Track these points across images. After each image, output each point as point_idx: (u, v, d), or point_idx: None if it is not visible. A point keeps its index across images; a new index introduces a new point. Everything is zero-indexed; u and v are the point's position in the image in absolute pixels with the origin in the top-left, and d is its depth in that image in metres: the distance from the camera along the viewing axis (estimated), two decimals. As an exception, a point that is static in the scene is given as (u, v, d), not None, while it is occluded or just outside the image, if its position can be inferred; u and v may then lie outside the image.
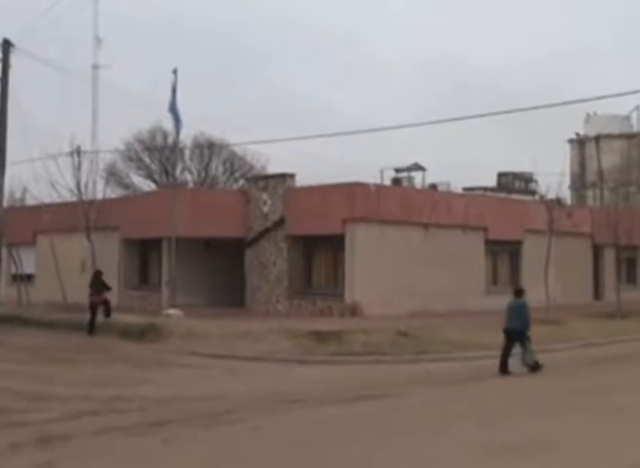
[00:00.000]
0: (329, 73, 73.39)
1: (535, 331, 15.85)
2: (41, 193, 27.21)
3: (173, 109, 25.02)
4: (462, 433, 9.57)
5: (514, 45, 78.96)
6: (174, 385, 14.28)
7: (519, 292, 16.18)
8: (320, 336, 18.71)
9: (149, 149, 43.64)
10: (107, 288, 23.37)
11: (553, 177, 26.68)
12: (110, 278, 28.79)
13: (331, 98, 70.44)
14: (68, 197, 26.09)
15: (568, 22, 75.33)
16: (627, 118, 46.38)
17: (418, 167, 36.22)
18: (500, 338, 15.59)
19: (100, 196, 26.83)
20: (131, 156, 44.40)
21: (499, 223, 28.50)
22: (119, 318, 22.44)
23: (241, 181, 42.29)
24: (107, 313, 22.85)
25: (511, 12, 76.14)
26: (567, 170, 37.05)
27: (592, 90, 30.39)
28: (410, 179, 35.69)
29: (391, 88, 74.05)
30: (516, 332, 15.39)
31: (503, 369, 15.27)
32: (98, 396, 12.65)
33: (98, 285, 23.09)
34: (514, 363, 15.38)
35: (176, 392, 13.37)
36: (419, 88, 74.05)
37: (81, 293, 25.43)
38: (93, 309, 22.32)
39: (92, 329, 22.00)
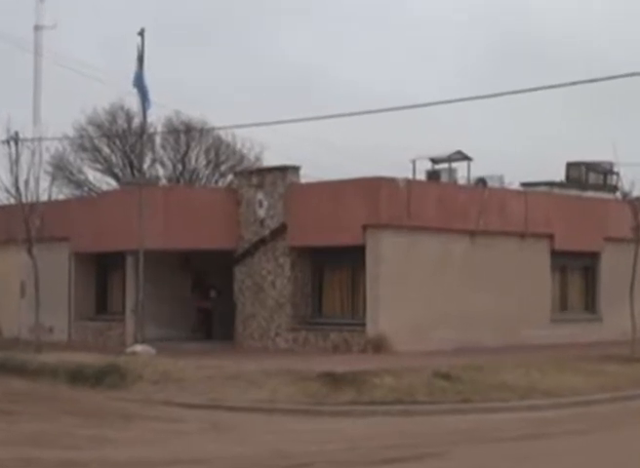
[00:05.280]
0: (345, 37, 73.54)
1: (617, 372, 15.81)
2: (-32, 194, 27.37)
3: (139, 83, 25.14)
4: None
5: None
6: (141, 445, 14.28)
7: None
8: (334, 380, 18.71)
9: (108, 136, 43.83)
10: (209, 294, 27.19)
11: (640, 169, 26.60)
12: (58, 304, 28.93)
13: (347, 69, 70.63)
14: (4, 199, 26.25)
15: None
16: None
17: (461, 156, 36.18)
18: (574, 381, 15.54)
19: (44, 197, 26.91)
20: (84, 145, 44.62)
21: (569, 230, 28.49)
22: (68, 357, 22.45)
23: (229, 177, 42.47)
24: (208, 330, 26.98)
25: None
26: (658, 159, 36.97)
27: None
28: (451, 173, 35.70)
29: (424, 50, 74.19)
30: None
31: None
32: (42, 459, 12.63)
33: (201, 287, 26.79)
34: None
35: (143, 454, 13.37)
36: (458, 49, 74.01)
37: (21, 324, 25.47)
38: (202, 314, 26.70)
39: (210, 333, 26.45)
